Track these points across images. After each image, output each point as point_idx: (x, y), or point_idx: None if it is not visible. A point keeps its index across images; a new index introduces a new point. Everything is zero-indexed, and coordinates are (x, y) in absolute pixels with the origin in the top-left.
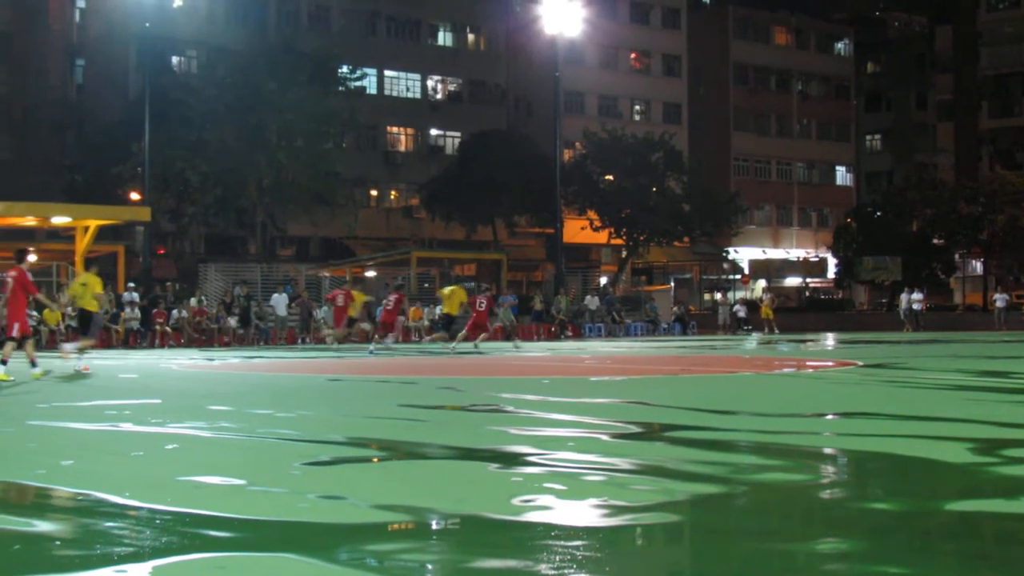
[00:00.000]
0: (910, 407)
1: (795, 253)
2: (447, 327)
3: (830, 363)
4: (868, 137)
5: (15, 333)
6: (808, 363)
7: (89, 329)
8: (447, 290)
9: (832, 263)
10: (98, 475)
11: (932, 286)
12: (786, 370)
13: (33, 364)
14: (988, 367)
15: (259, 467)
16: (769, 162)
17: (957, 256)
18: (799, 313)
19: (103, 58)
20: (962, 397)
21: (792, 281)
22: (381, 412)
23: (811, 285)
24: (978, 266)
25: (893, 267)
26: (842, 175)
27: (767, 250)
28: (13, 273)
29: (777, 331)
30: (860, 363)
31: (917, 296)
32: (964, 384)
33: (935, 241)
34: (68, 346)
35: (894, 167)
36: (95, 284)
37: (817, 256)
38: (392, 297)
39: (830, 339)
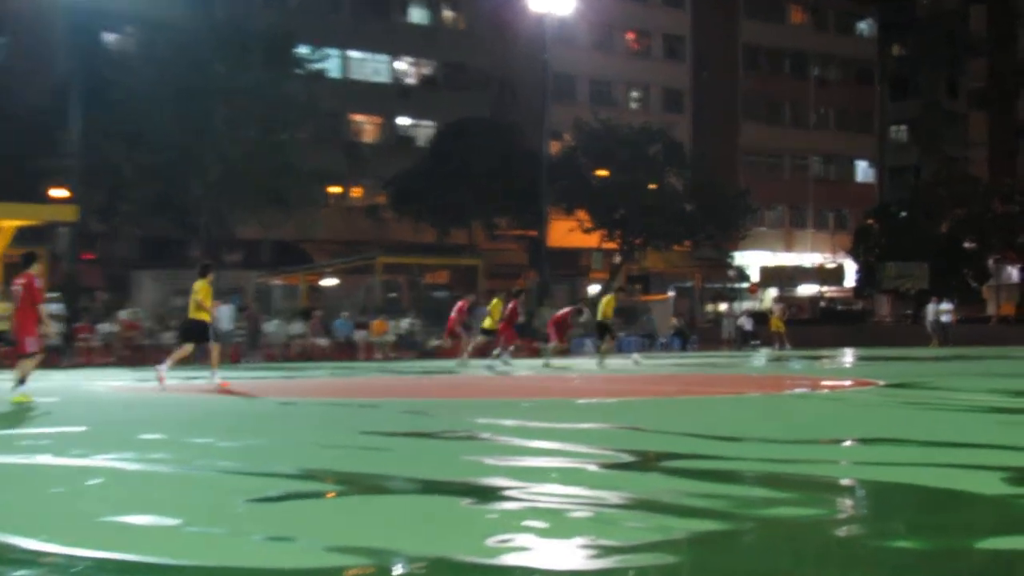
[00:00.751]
0: (938, 432)
1: (810, 259)
2: (602, 335)
3: (848, 382)
4: (893, 128)
5: (31, 349)
6: (823, 382)
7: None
8: (605, 297)
9: (851, 270)
10: (9, 516)
11: (963, 295)
12: (798, 390)
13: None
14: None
15: (197, 505)
16: (782, 156)
17: (991, 262)
18: (814, 326)
19: (27, 35)
20: (996, 420)
21: (806, 290)
22: (338, 440)
23: (827, 295)
24: (1015, 273)
25: (919, 274)
26: (863, 171)
27: (778, 255)
28: (22, 280)
29: (789, 346)
30: (882, 382)
31: (946, 307)
32: (998, 406)
33: (967, 245)
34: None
35: (921, 161)
36: None
37: (834, 262)
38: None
39: (848, 355)
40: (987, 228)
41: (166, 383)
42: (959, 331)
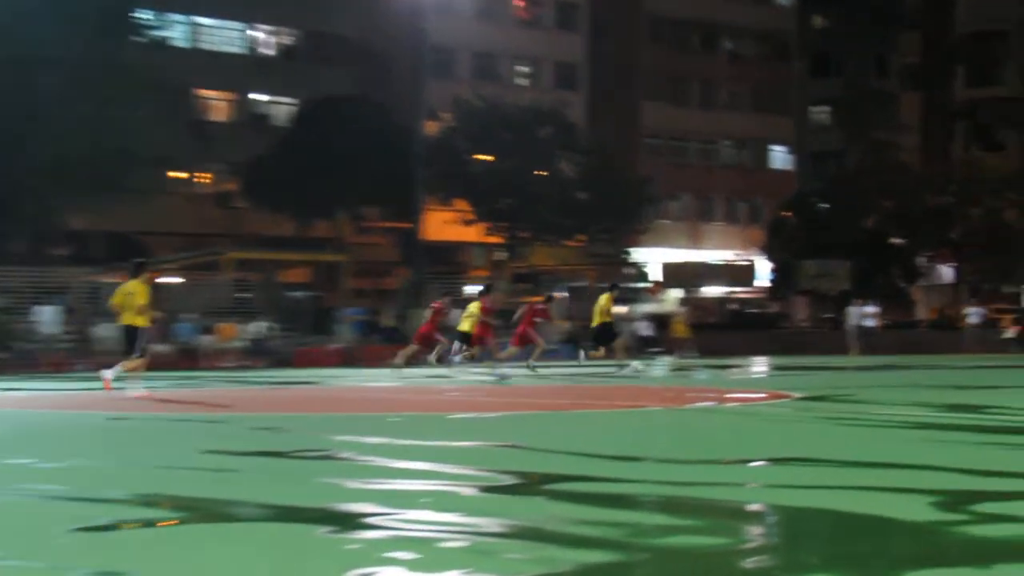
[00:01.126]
0: (858, 451)
1: (719, 255)
2: (600, 341)
3: (759, 395)
4: (813, 109)
5: None
6: (732, 395)
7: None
8: (603, 297)
9: (765, 268)
10: None
11: (889, 297)
12: (703, 404)
13: None
14: (957, 399)
15: (14, 534)
16: (688, 140)
17: (922, 259)
18: (722, 331)
19: None
20: (924, 438)
21: (714, 291)
22: (178, 460)
23: (738, 296)
24: (947, 273)
25: (841, 273)
26: (780, 157)
27: (683, 252)
28: None
29: (694, 354)
30: (797, 395)
31: (870, 310)
32: (926, 422)
33: (895, 241)
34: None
35: (845, 147)
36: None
37: (746, 259)
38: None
39: (760, 364)
40: (918, 222)
41: (142, 394)
42: (884, 337)
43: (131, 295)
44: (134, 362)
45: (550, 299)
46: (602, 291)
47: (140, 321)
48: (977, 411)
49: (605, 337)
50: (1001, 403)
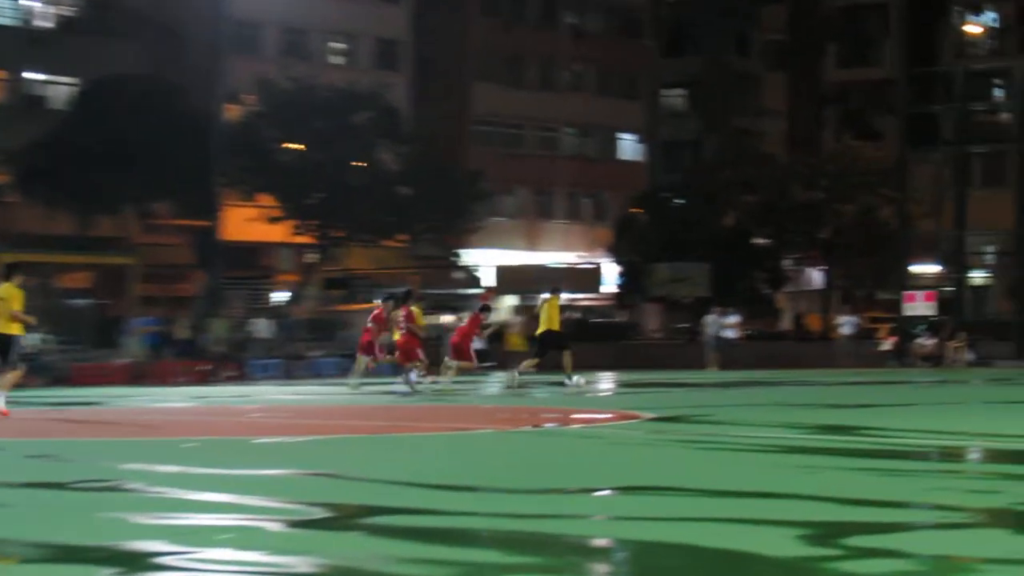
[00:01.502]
0: (717, 478)
1: (559, 258)
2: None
3: (606, 415)
4: (667, 93)
5: None
6: (575, 415)
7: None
8: (548, 301)
9: (612, 272)
10: None
11: (752, 305)
12: (543, 426)
13: None
14: (828, 420)
15: None
16: (526, 127)
17: (789, 262)
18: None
19: None
20: (791, 463)
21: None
22: None
23: (582, 304)
24: (817, 276)
25: (698, 278)
26: (629, 146)
27: (519, 253)
28: None
29: (533, 369)
30: (648, 415)
31: (730, 319)
32: (795, 445)
33: (758, 241)
34: None
35: (703, 135)
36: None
37: (591, 262)
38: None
39: (608, 380)
40: (784, 220)
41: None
42: (747, 350)
43: (3, 300)
44: (13, 375)
45: (487, 308)
46: (539, 297)
47: (15, 329)
48: (851, 433)
49: (549, 345)
50: (877, 423)
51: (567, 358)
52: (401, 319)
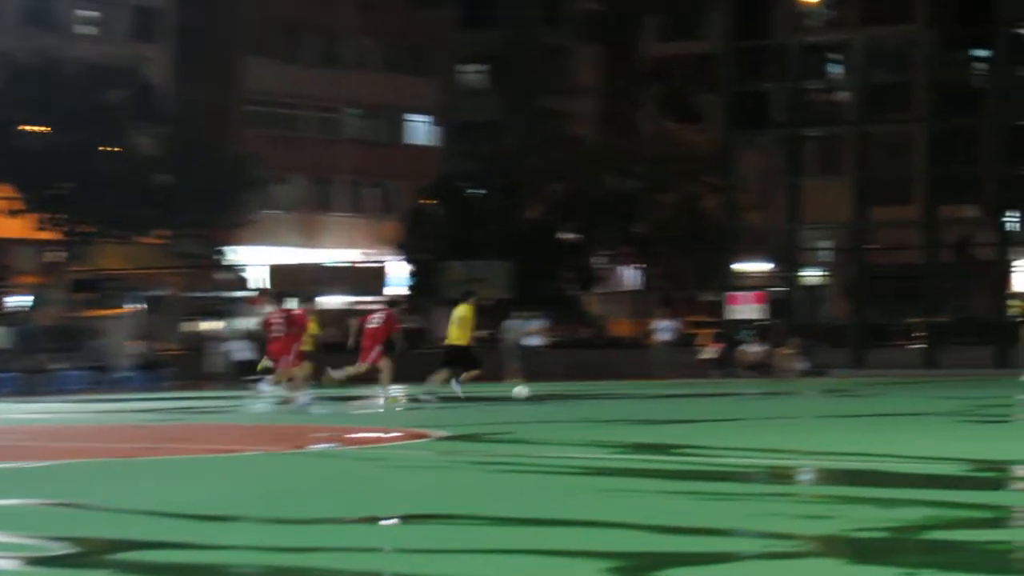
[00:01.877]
0: (517, 504)
1: (341, 255)
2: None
3: (393, 434)
4: (464, 69)
5: None
6: (357, 435)
7: None
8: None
9: (401, 271)
10: None
11: (560, 308)
12: (321, 447)
13: None
14: (642, 438)
15: None
16: (303, 108)
17: (601, 260)
18: (346, 353)
19: None
20: (600, 487)
21: (335, 301)
22: None
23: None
24: (632, 276)
25: (498, 278)
26: (421, 129)
27: (296, 251)
28: None
29: (310, 382)
30: (440, 433)
31: (534, 324)
32: (605, 466)
33: (565, 236)
34: None
35: (505, 117)
36: None
37: (376, 260)
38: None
39: (395, 394)
40: (596, 212)
41: None
42: (553, 359)
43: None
44: None
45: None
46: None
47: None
48: (668, 452)
49: (457, 360)
50: (698, 441)
51: (468, 374)
52: (280, 319)
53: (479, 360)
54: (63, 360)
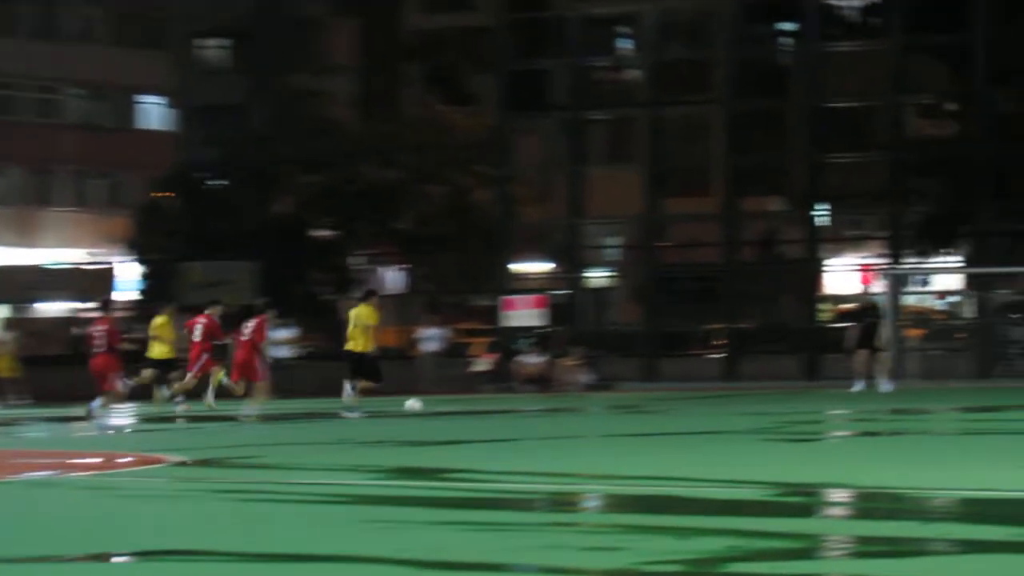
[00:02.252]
0: (261, 538)
1: (62, 256)
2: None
3: (122, 459)
4: (204, 44)
5: None
6: (80, 460)
7: None
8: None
9: (132, 274)
10: None
11: (312, 314)
12: (37, 474)
13: None
14: (405, 461)
15: None
16: (17, 88)
17: (359, 259)
18: (70, 367)
19: None
20: (357, 517)
21: (55, 308)
22: None
23: (91, 315)
24: (395, 278)
25: (243, 280)
26: (155, 112)
27: (10, 251)
28: None
29: (25, 399)
30: (177, 458)
31: (284, 333)
32: (363, 494)
33: (318, 233)
34: None
35: (250, 98)
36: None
37: (103, 262)
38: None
39: (120, 414)
40: (353, 206)
41: None
42: (306, 372)
43: None
44: None
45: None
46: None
47: None
48: (434, 477)
49: (361, 369)
50: (468, 464)
51: (366, 385)
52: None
53: (380, 371)
54: None
